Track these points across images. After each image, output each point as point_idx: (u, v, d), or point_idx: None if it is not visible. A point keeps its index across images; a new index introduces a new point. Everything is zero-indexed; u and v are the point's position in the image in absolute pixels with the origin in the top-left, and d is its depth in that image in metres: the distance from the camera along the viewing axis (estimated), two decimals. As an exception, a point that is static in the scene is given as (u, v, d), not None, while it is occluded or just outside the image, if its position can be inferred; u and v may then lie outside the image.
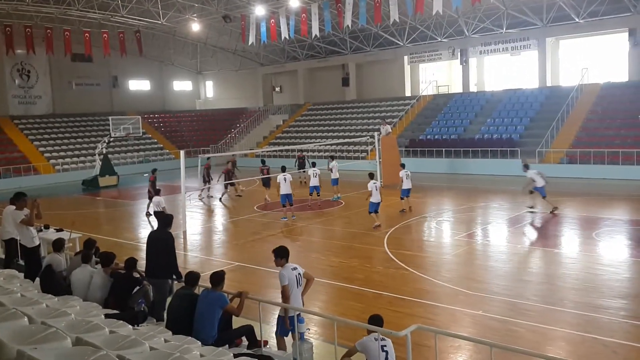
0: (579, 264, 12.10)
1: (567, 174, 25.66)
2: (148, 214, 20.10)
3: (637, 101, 27.40)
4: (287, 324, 6.92)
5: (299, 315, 6.93)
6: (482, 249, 14.07)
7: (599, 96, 30.10)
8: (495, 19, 33.38)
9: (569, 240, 14.70)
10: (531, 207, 17.67)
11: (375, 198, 16.20)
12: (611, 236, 14.44)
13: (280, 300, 7.35)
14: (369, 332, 5.89)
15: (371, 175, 17.16)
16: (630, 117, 26.25)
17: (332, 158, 23.80)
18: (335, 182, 21.96)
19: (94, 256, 8.80)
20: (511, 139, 29.34)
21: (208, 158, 24.69)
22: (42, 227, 13.00)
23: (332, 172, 22.01)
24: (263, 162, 24.49)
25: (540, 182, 17.28)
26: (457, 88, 40.06)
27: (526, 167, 18.10)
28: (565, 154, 26.64)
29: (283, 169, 18.75)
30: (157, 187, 19.76)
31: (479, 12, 33.20)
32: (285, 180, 17.88)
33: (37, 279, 8.44)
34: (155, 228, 8.66)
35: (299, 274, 7.16)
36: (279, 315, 7.23)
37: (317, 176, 20.34)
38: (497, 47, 35.50)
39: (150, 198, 19.81)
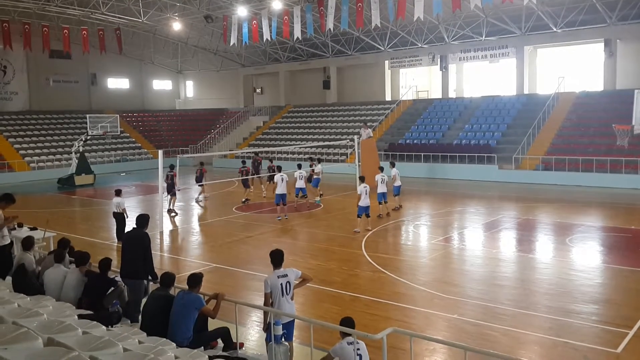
0: (552, 269, 12.30)
1: (542, 181, 26.12)
2: (170, 211, 20.36)
3: (611, 110, 27.93)
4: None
5: (291, 321, 6.94)
6: (458, 253, 14.22)
7: (574, 105, 30.66)
8: (475, 26, 33.80)
9: (543, 245, 14.94)
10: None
11: (364, 202, 15.88)
12: (584, 242, 14.71)
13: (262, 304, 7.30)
14: (343, 335, 5.91)
15: (362, 179, 17.12)
16: (604, 125, 26.75)
17: (318, 161, 24.14)
18: (316, 183, 22.13)
19: (67, 255, 8.67)
20: (488, 144, 29.72)
21: (201, 163, 24.63)
22: (16, 226, 12.74)
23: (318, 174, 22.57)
24: (243, 162, 24.35)
25: (381, 189, 17.84)
26: (436, 94, 40.40)
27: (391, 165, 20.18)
28: (540, 161, 27.06)
29: (279, 169, 19.20)
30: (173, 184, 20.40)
31: (459, 20, 33.54)
32: (282, 180, 17.98)
33: (9, 277, 8.28)
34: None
35: (288, 282, 7.06)
36: (268, 323, 7.09)
37: (302, 178, 20.46)
38: (477, 54, 35.93)
39: (174, 194, 20.47)
